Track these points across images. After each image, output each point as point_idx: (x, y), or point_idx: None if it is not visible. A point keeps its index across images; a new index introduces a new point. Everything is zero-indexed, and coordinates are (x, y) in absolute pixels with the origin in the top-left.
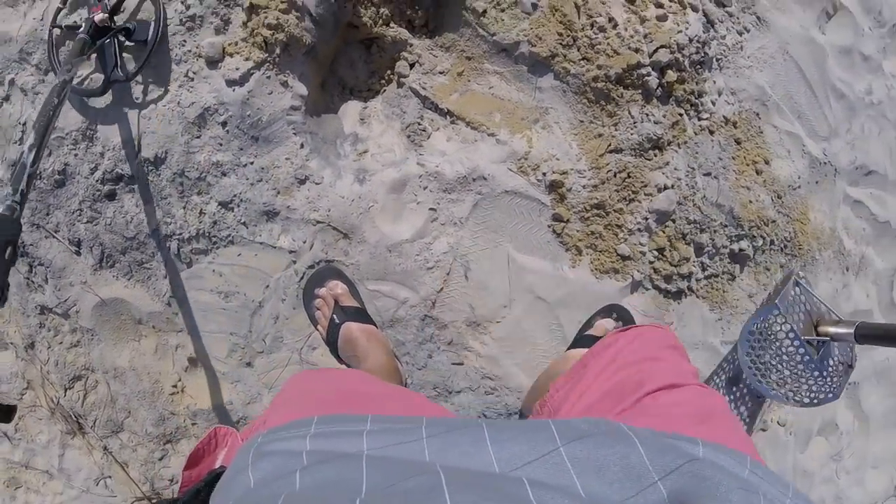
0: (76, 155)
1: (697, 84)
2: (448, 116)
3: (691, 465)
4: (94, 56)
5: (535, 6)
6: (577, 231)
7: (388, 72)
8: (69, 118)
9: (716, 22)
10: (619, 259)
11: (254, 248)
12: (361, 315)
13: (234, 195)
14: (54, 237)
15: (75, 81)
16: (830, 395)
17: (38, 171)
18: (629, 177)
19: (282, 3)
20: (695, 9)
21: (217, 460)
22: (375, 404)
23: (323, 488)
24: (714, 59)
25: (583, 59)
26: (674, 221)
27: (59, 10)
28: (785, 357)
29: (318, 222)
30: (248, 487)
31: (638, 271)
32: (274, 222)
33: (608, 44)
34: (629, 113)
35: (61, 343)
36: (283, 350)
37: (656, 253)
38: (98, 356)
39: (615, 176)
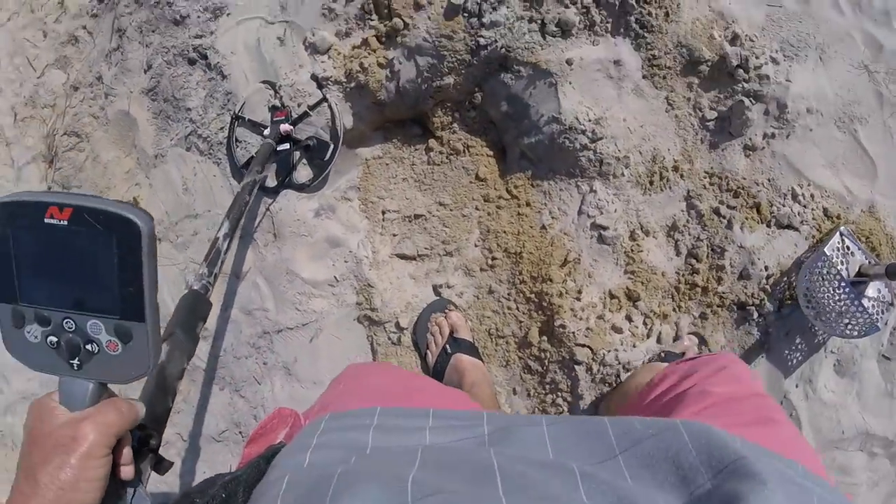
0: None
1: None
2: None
3: (736, 463)
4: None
5: (544, 226)
6: None
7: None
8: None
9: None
10: None
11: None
12: (474, 350)
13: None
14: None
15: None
16: (875, 328)
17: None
18: None
19: (384, 58)
20: (659, 341)
21: (277, 438)
22: (439, 401)
23: (378, 465)
24: None
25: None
26: None
27: (244, 103)
28: (833, 296)
29: None
30: (302, 466)
31: None
32: None
33: (551, 307)
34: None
35: (91, 105)
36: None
37: None
38: (97, 137)
39: None
